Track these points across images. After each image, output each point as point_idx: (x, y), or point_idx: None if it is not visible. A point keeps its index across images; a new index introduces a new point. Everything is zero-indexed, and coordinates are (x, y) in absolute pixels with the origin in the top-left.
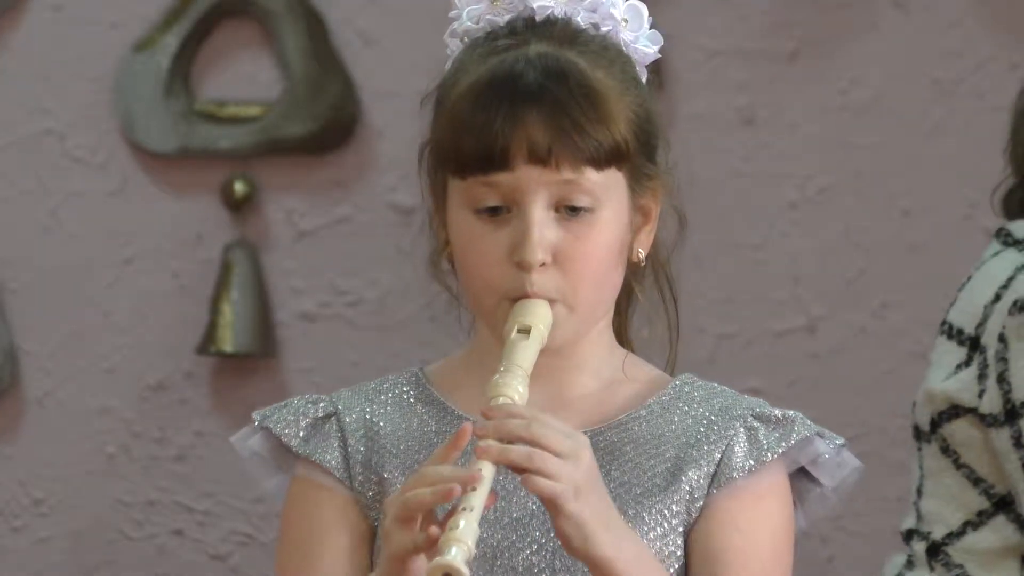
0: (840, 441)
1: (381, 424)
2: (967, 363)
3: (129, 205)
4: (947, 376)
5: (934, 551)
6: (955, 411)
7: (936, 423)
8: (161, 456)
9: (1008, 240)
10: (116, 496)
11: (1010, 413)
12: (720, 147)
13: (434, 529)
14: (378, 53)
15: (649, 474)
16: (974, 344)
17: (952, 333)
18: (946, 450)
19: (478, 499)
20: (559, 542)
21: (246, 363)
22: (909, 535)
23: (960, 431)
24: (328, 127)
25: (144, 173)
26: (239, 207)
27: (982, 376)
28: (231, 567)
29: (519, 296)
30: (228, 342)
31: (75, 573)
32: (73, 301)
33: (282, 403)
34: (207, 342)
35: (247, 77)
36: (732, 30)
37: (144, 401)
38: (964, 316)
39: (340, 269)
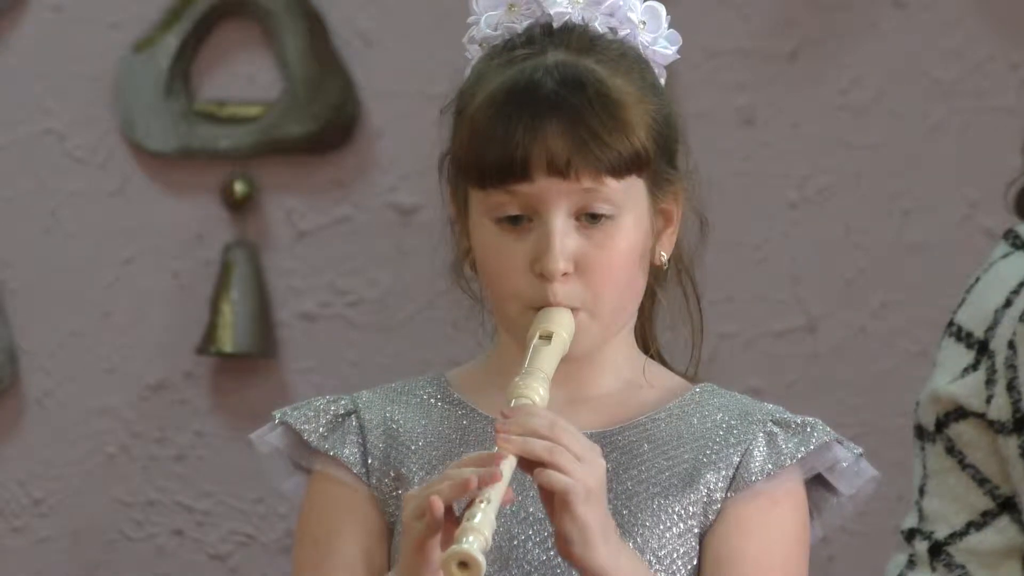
0: (859, 450)
1: (401, 422)
2: (975, 367)
3: (129, 205)
4: (954, 378)
5: (936, 551)
6: (962, 412)
7: (942, 423)
8: (161, 456)
9: (1017, 243)
10: (116, 496)
11: (1019, 422)
12: (720, 147)
13: (437, 508)
14: (378, 53)
15: (667, 474)
16: (983, 348)
17: (960, 335)
18: (951, 450)
19: (496, 493)
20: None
21: (246, 363)
22: (911, 534)
23: (967, 432)
24: (328, 127)
25: (144, 173)
26: (239, 207)
27: (990, 382)
28: (231, 567)
29: (542, 305)
30: (228, 342)
31: (75, 573)
32: (73, 301)
33: (303, 402)
34: (207, 342)
35: (247, 77)
36: (732, 30)
37: (144, 401)
38: (973, 319)
39: (340, 269)
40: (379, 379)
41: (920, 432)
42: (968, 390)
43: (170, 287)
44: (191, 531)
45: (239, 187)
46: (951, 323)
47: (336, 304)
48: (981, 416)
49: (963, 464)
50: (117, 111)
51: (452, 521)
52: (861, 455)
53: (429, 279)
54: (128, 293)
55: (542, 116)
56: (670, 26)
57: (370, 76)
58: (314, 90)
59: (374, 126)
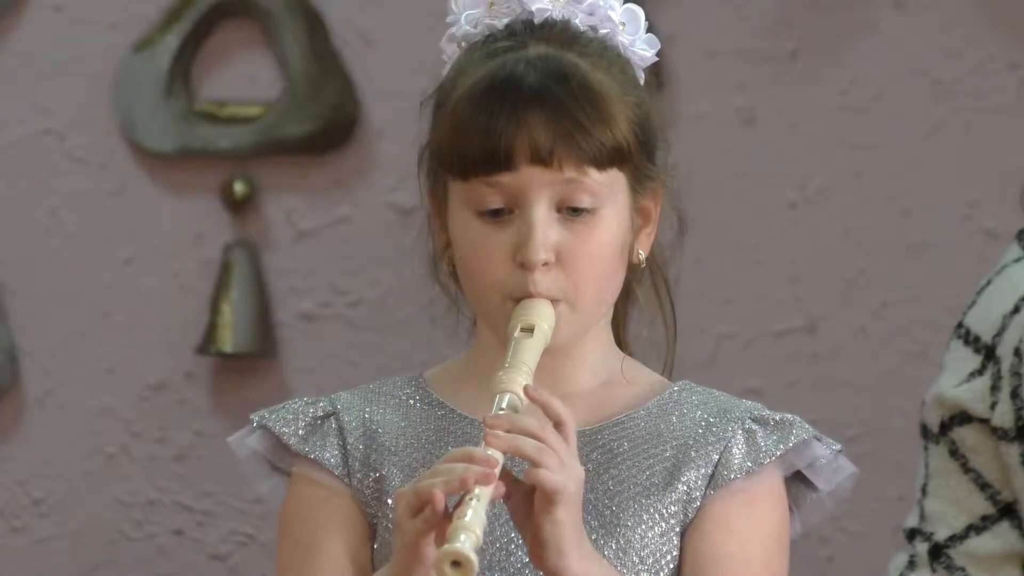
0: (837, 447)
1: (380, 423)
2: (981, 372)
3: (129, 205)
4: (960, 382)
5: (936, 553)
6: (966, 417)
7: (947, 426)
8: (161, 456)
9: None
10: (116, 496)
11: (1022, 430)
12: (720, 147)
13: (440, 503)
14: (378, 53)
15: (647, 473)
16: (989, 354)
17: (968, 339)
18: (955, 453)
19: (485, 490)
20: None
21: (246, 363)
22: (912, 534)
23: (971, 436)
24: (328, 127)
25: (144, 173)
26: (239, 207)
27: (995, 388)
28: (231, 567)
29: (522, 296)
30: (228, 342)
31: (75, 573)
32: (73, 301)
33: (281, 404)
34: (207, 342)
35: (247, 77)
36: (732, 30)
37: (144, 401)
38: (981, 323)
39: (340, 269)
40: (379, 379)
41: (925, 432)
42: (973, 395)
43: (170, 287)
44: (191, 531)
45: (239, 187)
46: (960, 325)
47: (336, 304)
48: (985, 422)
49: (965, 468)
50: (117, 111)
51: (444, 518)
52: (840, 451)
53: (429, 279)
54: (128, 293)
55: (525, 107)
56: (660, 28)
57: (370, 76)
58: (314, 90)
59: (374, 126)
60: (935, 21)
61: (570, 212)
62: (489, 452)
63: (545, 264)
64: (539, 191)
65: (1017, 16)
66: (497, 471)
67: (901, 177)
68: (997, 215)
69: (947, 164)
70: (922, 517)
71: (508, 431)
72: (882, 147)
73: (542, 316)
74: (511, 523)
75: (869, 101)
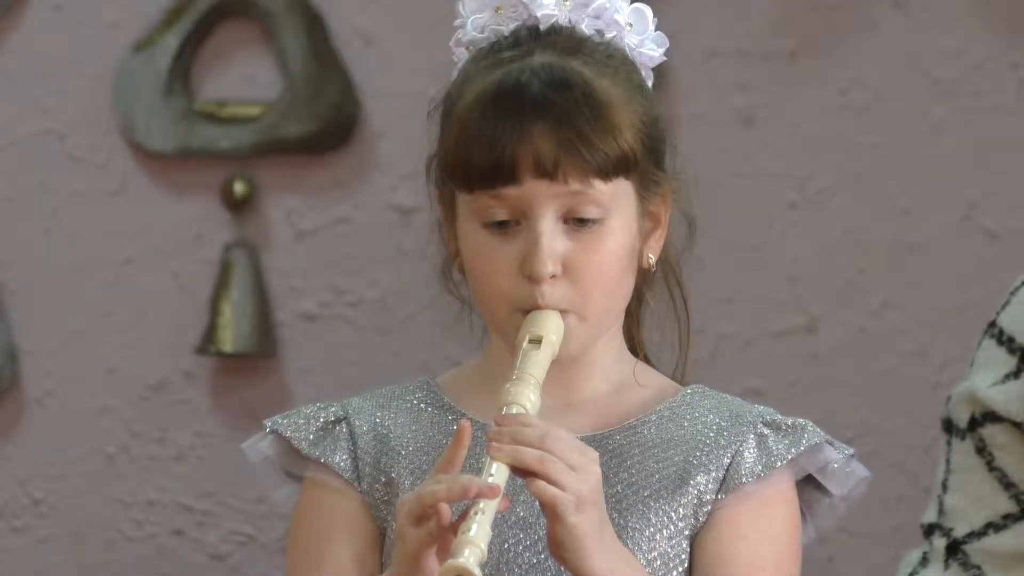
0: (850, 451)
1: (391, 427)
2: (1016, 375)
3: (129, 205)
4: (994, 383)
5: (953, 549)
6: (997, 416)
7: (977, 423)
8: (161, 456)
9: None
10: (116, 496)
11: None
12: (720, 147)
13: (446, 516)
14: (378, 53)
15: (657, 477)
16: None
17: (1002, 339)
18: (982, 450)
19: (491, 503)
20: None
21: (246, 363)
22: (931, 529)
23: (1001, 435)
24: (328, 127)
25: (144, 173)
26: (239, 207)
27: None
28: (231, 567)
29: (530, 308)
30: (228, 342)
31: (75, 573)
32: (73, 301)
33: (293, 410)
34: (207, 342)
35: (247, 77)
36: (732, 30)
37: (144, 401)
38: (1016, 324)
39: (340, 269)
40: (379, 379)
41: (949, 427)
42: (1007, 398)
43: (170, 287)
44: (191, 531)
45: (239, 187)
46: (993, 323)
47: (336, 304)
48: (1017, 425)
49: (991, 466)
50: (117, 111)
51: (448, 530)
52: (853, 456)
53: (429, 279)
54: (128, 293)
55: (529, 118)
56: (659, 28)
57: (370, 76)
58: (314, 90)
59: (374, 126)
60: (935, 21)
61: (576, 223)
62: (494, 467)
63: (552, 276)
64: (544, 203)
65: (1017, 16)
66: (503, 483)
67: (901, 177)
68: (997, 215)
69: (947, 164)
70: (941, 511)
71: (510, 443)
72: (882, 147)
73: (550, 328)
74: (519, 524)
75: (869, 101)
